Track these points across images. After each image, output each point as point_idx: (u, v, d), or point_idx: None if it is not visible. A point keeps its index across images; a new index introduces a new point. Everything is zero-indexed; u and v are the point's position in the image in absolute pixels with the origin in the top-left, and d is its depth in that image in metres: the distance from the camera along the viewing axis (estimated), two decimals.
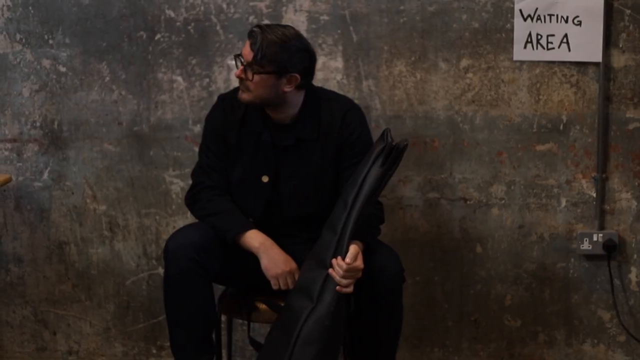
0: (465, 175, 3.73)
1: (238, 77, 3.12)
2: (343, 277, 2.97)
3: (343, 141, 3.21)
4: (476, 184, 3.74)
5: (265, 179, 3.22)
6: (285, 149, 3.21)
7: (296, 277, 3.12)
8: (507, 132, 3.70)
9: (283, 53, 3.07)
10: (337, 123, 3.21)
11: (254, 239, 3.15)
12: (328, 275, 3.00)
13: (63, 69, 3.81)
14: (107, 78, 3.80)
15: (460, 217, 3.76)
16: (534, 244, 3.77)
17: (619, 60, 3.63)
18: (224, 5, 3.71)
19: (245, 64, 3.08)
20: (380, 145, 3.03)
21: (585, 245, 3.73)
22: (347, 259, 2.96)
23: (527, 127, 3.69)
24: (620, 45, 3.62)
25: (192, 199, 3.31)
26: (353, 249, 2.99)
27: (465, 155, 3.72)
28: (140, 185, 3.84)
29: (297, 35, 3.17)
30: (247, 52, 3.07)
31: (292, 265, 3.14)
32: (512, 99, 3.68)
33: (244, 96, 3.14)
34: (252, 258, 3.17)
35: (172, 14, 3.74)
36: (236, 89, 3.24)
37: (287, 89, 3.12)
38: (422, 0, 3.65)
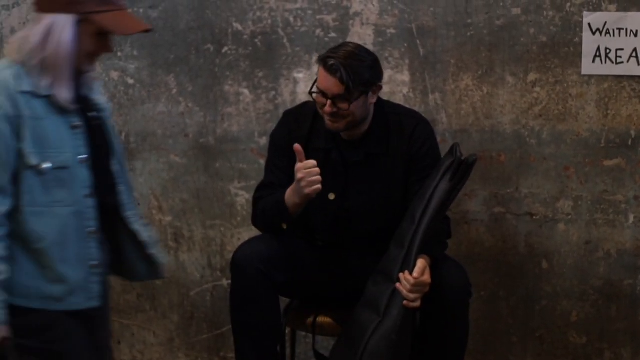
0: (532, 190, 3.71)
1: (329, 113, 3.06)
2: (410, 291, 2.96)
3: (412, 155, 3.21)
4: (542, 199, 3.71)
5: (332, 196, 3.21)
6: (354, 165, 3.21)
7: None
8: (575, 146, 3.66)
9: (365, 71, 3.08)
10: (406, 137, 3.21)
11: (289, 195, 3.11)
12: (395, 290, 3.00)
13: (131, 81, 3.86)
14: (174, 90, 3.84)
15: (526, 232, 3.74)
16: (601, 260, 3.73)
17: None
18: (291, 19, 3.73)
19: (332, 97, 3.04)
20: (449, 160, 3.03)
21: None
22: (415, 274, 2.96)
23: (595, 142, 3.65)
24: None
25: (254, 214, 3.32)
26: (420, 263, 2.99)
27: (531, 170, 3.69)
28: (205, 196, 3.88)
29: (360, 47, 3.19)
30: (333, 86, 3.03)
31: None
32: (580, 114, 3.65)
33: (337, 126, 3.10)
34: (318, 270, 3.18)
35: (240, 27, 3.77)
36: (302, 105, 3.26)
37: (373, 100, 3.15)
38: (490, 14, 3.63)
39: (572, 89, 3.64)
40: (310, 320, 3.29)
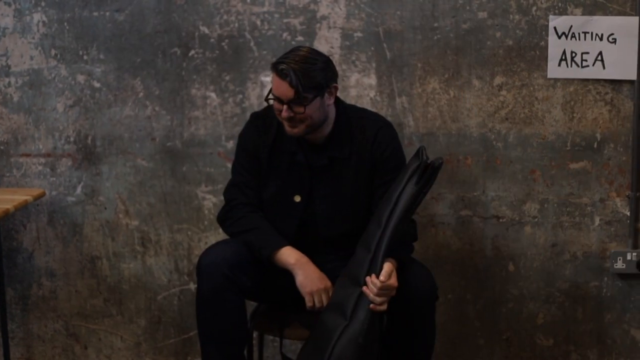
0: (498, 193, 3.72)
1: (286, 118, 3.09)
2: (377, 295, 2.96)
3: (376, 159, 3.22)
4: (509, 202, 3.73)
5: (297, 198, 3.23)
6: (319, 169, 3.22)
7: (330, 294, 3.12)
8: (541, 150, 3.68)
9: (317, 74, 3.08)
10: (370, 141, 3.21)
11: (290, 255, 3.15)
12: (362, 293, 3.00)
13: (97, 85, 3.83)
14: (141, 94, 3.82)
15: (492, 235, 3.75)
16: (567, 263, 3.75)
17: None
18: (258, 22, 3.72)
19: (287, 102, 3.06)
20: (415, 163, 3.03)
21: (619, 264, 3.70)
22: (382, 277, 2.95)
23: (561, 145, 3.68)
24: None
25: (224, 216, 3.31)
26: (387, 266, 2.99)
27: (498, 173, 3.71)
28: (172, 200, 3.86)
29: (312, 50, 3.19)
30: (286, 91, 3.06)
31: (327, 283, 3.14)
32: (546, 117, 3.67)
33: (296, 131, 3.12)
34: (284, 275, 3.17)
35: (206, 31, 3.76)
36: (269, 107, 3.25)
37: (330, 101, 3.15)
38: (457, 18, 3.65)
39: (538, 92, 3.66)
40: (277, 324, 3.28)
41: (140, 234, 3.90)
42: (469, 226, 3.75)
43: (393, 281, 2.98)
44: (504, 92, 3.67)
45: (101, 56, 3.82)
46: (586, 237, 3.73)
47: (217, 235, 3.75)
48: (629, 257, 3.70)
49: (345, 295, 3.04)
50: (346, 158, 3.21)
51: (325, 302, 3.11)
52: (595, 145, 3.67)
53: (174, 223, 3.88)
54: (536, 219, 3.73)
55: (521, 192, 3.72)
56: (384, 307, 2.98)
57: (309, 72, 3.06)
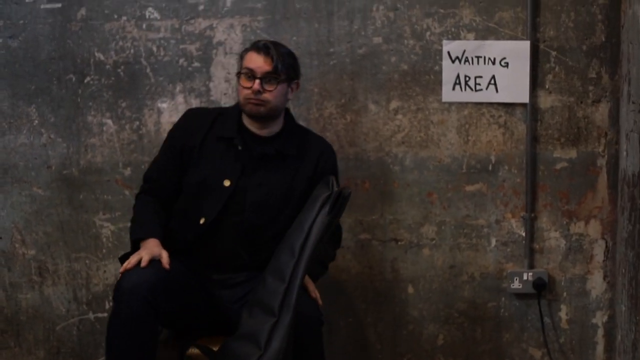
0: (396, 216, 3.75)
1: (256, 90, 3.17)
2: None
3: (320, 169, 3.30)
4: (407, 225, 3.76)
5: (226, 182, 3.22)
6: (260, 159, 3.25)
7: (164, 262, 3.09)
8: (437, 172, 3.73)
9: (291, 59, 3.26)
10: (316, 151, 3.32)
11: (146, 244, 3.16)
12: (277, 322, 2.99)
13: None
14: (36, 121, 3.77)
15: (391, 257, 3.78)
16: (465, 284, 3.80)
17: (546, 101, 3.69)
18: (154, 48, 3.71)
19: (261, 76, 3.17)
20: (325, 193, 3.10)
21: (516, 284, 3.76)
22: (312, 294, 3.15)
23: (457, 168, 3.72)
24: (547, 87, 3.68)
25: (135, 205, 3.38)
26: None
27: (395, 196, 3.74)
28: (70, 229, 3.81)
29: None
30: (262, 65, 3.17)
31: (158, 251, 3.12)
32: (442, 140, 3.71)
33: (261, 109, 3.20)
34: (202, 298, 3.18)
35: (102, 57, 3.72)
36: (206, 107, 3.40)
37: (290, 95, 3.30)
38: (352, 43, 3.68)
39: (434, 116, 3.70)
40: (179, 351, 3.24)
41: (38, 263, 3.84)
42: (368, 249, 3.78)
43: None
44: (400, 116, 3.70)
45: None
46: (483, 258, 3.78)
47: (116, 263, 3.70)
48: (525, 277, 3.75)
49: (257, 324, 3.01)
50: (292, 156, 3.27)
51: (143, 262, 3.06)
52: (490, 168, 3.72)
53: (72, 252, 3.82)
54: (434, 241, 3.77)
55: (419, 214, 3.76)
56: None
57: (284, 53, 3.23)
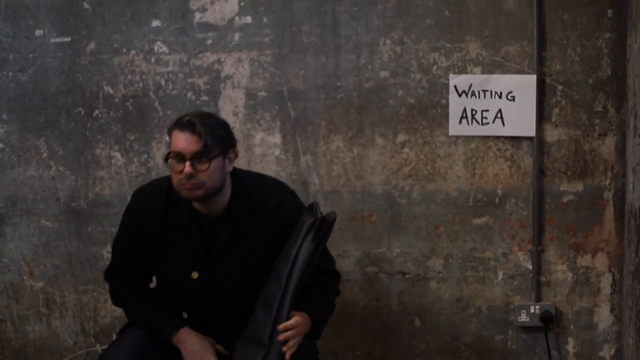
0: (403, 249, 3.76)
1: (188, 174, 2.89)
2: (290, 337, 2.95)
3: (284, 229, 3.07)
4: (414, 258, 3.76)
5: (195, 275, 3.06)
6: (219, 244, 3.05)
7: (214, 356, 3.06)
8: (444, 206, 3.74)
9: (220, 129, 2.97)
10: (272, 215, 3.07)
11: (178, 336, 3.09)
12: (267, 355, 2.97)
13: (0, 145, 3.79)
14: (45, 154, 3.79)
15: (398, 290, 3.78)
16: (472, 317, 3.79)
17: (552, 134, 3.69)
18: (162, 82, 3.73)
19: (190, 157, 2.88)
20: (309, 220, 3.02)
21: (523, 317, 3.76)
22: (292, 321, 2.97)
23: (464, 201, 3.73)
24: (553, 120, 3.69)
25: (116, 299, 3.22)
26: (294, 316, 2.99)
27: (402, 229, 3.75)
28: (77, 261, 3.82)
29: (209, 112, 3.15)
30: (190, 144, 2.89)
31: (210, 348, 3.08)
32: (449, 173, 3.72)
33: (198, 193, 2.93)
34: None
35: (111, 90, 3.75)
36: (153, 181, 3.18)
37: (229, 167, 3.02)
38: (359, 77, 3.70)
39: (440, 149, 3.72)
40: None
41: (45, 295, 3.85)
42: (376, 282, 3.78)
43: (302, 319, 2.99)
44: (406, 150, 3.72)
45: (4, 116, 3.79)
46: (490, 291, 3.78)
47: None
48: (532, 310, 3.75)
49: (248, 357, 3.02)
50: (248, 232, 3.06)
51: None
52: (496, 201, 3.73)
53: (80, 284, 3.84)
54: (441, 274, 3.77)
55: (426, 247, 3.76)
56: (294, 349, 2.96)
57: (213, 125, 2.94)
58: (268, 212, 3.07)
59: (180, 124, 2.91)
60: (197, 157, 2.89)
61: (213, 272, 3.07)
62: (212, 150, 2.90)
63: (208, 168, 2.90)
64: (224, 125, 3.01)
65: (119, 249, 3.17)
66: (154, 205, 3.06)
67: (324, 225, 3.00)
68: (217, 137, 2.92)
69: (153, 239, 3.05)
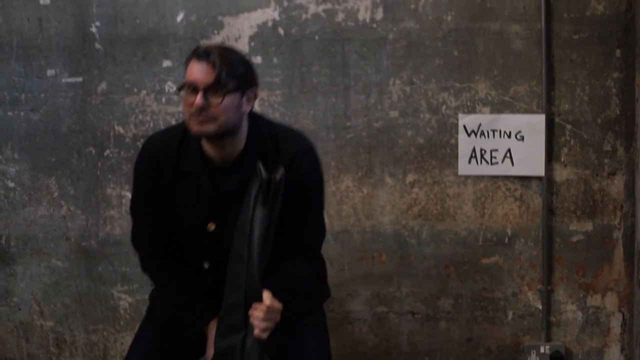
0: (413, 289, 3.76)
1: (199, 107, 2.67)
2: (263, 319, 2.71)
3: (291, 184, 2.81)
4: (423, 298, 3.76)
5: (211, 226, 2.87)
6: (228, 194, 2.84)
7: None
8: (453, 245, 3.74)
9: (239, 65, 2.74)
10: (285, 165, 2.81)
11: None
12: (246, 336, 2.76)
13: (12, 184, 3.82)
14: (56, 193, 3.81)
15: (408, 330, 3.78)
16: (482, 357, 3.79)
17: (562, 174, 3.70)
18: (173, 122, 3.75)
19: (204, 88, 2.68)
20: (255, 185, 2.76)
21: (533, 357, 3.75)
22: (267, 302, 2.71)
23: (473, 241, 3.73)
24: (562, 160, 3.69)
25: (145, 269, 3.02)
26: (267, 293, 2.73)
27: (412, 269, 3.75)
28: (88, 301, 3.83)
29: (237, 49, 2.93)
30: (205, 75, 2.68)
31: None
32: (458, 213, 3.73)
33: (206, 128, 2.71)
34: None
35: (121, 130, 3.77)
36: (165, 130, 3.02)
37: (247, 108, 2.79)
38: (368, 117, 3.71)
39: (450, 189, 3.72)
40: None
41: (55, 335, 3.86)
42: (385, 322, 3.78)
43: (277, 304, 2.73)
44: (416, 189, 3.73)
45: (16, 156, 3.81)
46: (500, 331, 3.77)
47: (133, 335, 3.71)
48: (542, 350, 3.74)
49: (229, 347, 2.80)
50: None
51: None
52: (506, 241, 3.73)
53: (90, 323, 3.84)
54: (450, 314, 3.77)
55: (435, 287, 3.76)
56: (266, 334, 2.74)
57: (232, 59, 2.72)
58: (281, 161, 2.83)
59: (197, 53, 2.72)
60: (211, 89, 2.68)
61: (227, 223, 2.85)
62: (228, 83, 2.69)
63: (222, 102, 2.69)
64: (245, 62, 2.79)
65: (137, 209, 2.99)
66: (166, 153, 2.86)
67: (272, 186, 2.73)
68: (235, 72, 2.71)
69: (166, 188, 2.86)
